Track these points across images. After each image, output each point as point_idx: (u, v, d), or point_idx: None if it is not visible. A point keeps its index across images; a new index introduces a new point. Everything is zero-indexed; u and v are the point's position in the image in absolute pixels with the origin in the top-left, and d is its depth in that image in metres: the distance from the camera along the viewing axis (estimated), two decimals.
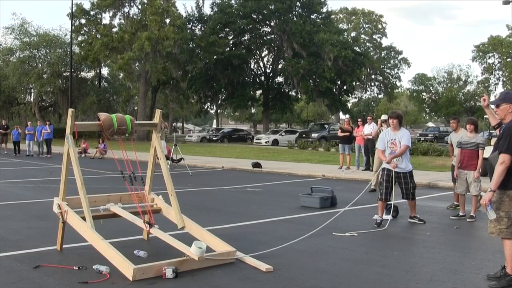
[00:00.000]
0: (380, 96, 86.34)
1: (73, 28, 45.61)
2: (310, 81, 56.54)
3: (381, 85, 79.63)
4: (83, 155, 28.75)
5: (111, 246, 6.00)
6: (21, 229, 8.58)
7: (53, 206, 6.98)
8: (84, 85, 55.24)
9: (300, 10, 58.36)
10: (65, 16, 45.74)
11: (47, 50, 53.86)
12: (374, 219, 9.40)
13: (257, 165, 21.04)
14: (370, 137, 18.25)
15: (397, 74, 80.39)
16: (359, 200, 10.01)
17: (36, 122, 36.51)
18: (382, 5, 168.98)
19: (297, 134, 47.59)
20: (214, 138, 54.87)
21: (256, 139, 50.44)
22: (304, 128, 61.94)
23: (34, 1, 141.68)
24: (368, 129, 18.58)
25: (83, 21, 50.66)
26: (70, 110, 6.60)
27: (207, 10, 58.26)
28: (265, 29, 60.04)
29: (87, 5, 50.42)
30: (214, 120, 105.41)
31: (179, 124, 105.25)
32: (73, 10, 44.33)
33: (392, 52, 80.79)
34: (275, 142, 47.40)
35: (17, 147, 30.76)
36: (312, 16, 58.68)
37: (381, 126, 15.80)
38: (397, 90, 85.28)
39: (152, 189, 7.65)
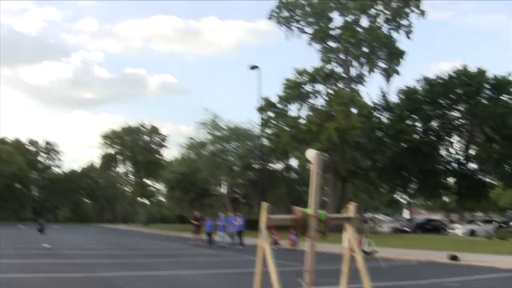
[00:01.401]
0: None
1: (261, 121, 48.62)
2: (506, 166, 53.83)
3: None
4: (275, 248, 29.74)
5: None
6: None
7: None
8: (274, 177, 57.72)
9: (489, 92, 56.45)
10: (254, 110, 49.81)
11: (238, 143, 57.56)
12: None
13: (454, 257, 20.36)
14: None
15: None
16: None
17: (227, 213, 38.76)
18: None
19: (496, 223, 45.39)
20: (406, 229, 53.84)
21: (451, 229, 48.75)
22: (503, 217, 58.46)
23: (225, 96, 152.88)
24: None
25: (271, 114, 53.67)
26: (265, 204, 6.84)
27: (392, 97, 58.77)
28: (454, 113, 58.68)
29: (274, 99, 53.53)
30: (405, 210, 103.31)
31: (370, 215, 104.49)
32: (261, 104, 47.40)
33: None
34: (472, 232, 45.48)
35: (210, 239, 32.42)
36: (503, 97, 56.34)
37: None
38: None
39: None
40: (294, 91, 51.23)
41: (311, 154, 6.69)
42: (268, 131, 54.12)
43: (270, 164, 59.73)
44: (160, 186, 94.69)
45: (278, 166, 61.03)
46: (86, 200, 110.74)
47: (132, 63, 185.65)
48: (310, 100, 52.63)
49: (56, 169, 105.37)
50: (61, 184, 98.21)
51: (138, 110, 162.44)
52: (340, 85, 52.73)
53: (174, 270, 18.45)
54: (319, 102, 52.80)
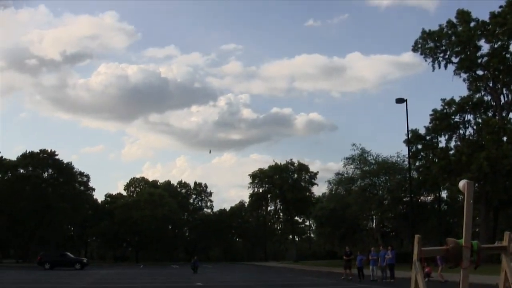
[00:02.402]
0: None
1: (410, 154, 49.63)
2: None
3: None
4: (426, 279, 30.25)
5: None
6: None
7: None
8: (424, 210, 58.00)
9: None
10: (401, 144, 50.48)
11: (386, 177, 58.73)
12: None
13: None
14: None
15: None
16: None
17: (378, 247, 39.37)
18: None
19: None
20: None
21: None
22: None
23: (372, 130, 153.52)
24: None
25: (419, 146, 54.28)
26: (417, 237, 6.92)
27: None
28: None
29: (422, 131, 53.94)
30: None
31: None
32: (409, 136, 48.49)
33: None
34: None
35: (361, 273, 33.43)
36: None
37: None
38: None
39: None
40: (442, 122, 51.53)
41: (462, 184, 6.86)
42: (417, 163, 54.72)
43: (420, 197, 60.02)
44: (309, 223, 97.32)
45: (428, 198, 61.12)
46: (236, 239, 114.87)
47: (278, 103, 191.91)
48: (459, 131, 52.76)
49: (207, 210, 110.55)
50: (212, 224, 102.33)
51: (285, 149, 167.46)
52: (490, 113, 52.49)
53: None
54: (468, 132, 52.85)
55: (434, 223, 53.43)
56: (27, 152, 79.14)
